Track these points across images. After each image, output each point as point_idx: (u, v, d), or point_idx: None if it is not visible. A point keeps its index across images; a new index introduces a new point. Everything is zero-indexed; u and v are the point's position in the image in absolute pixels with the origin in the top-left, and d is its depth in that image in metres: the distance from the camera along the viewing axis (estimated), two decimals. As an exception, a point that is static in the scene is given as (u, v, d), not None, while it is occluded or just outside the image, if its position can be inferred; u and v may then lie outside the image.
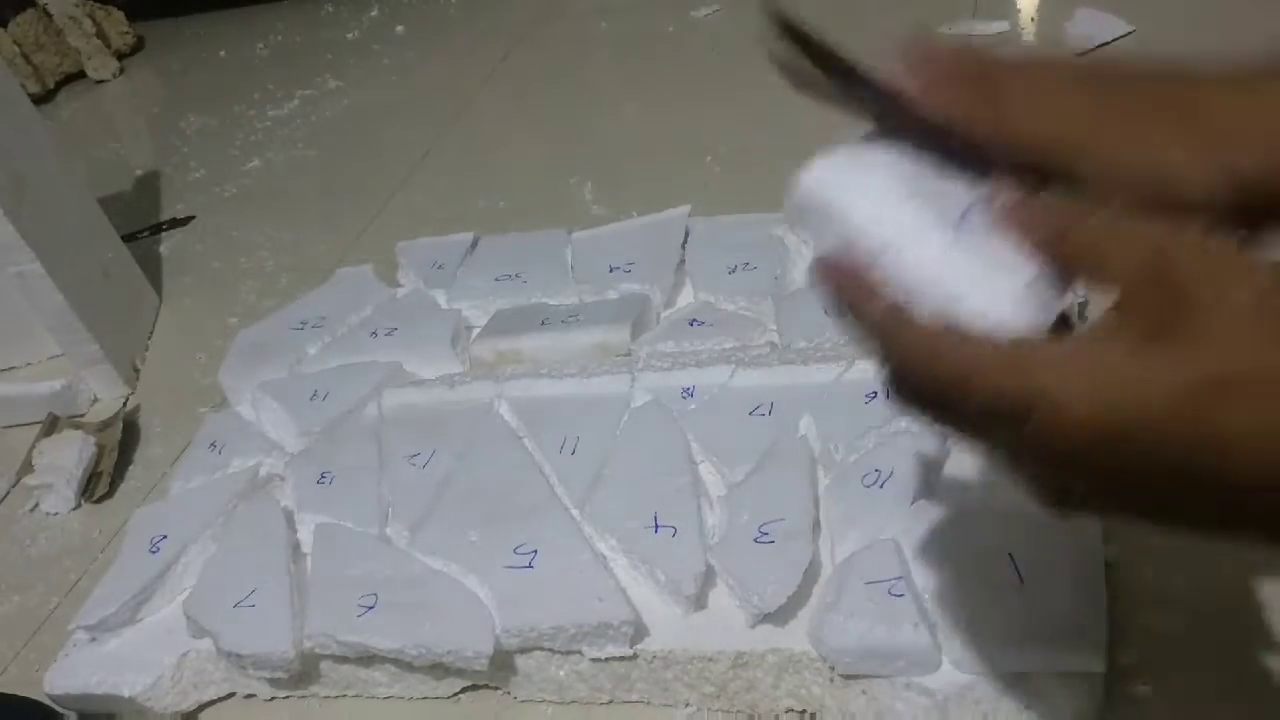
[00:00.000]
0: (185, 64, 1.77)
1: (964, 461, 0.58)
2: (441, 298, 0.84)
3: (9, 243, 0.83)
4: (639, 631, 0.55)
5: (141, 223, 1.22)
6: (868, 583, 0.52)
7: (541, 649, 0.56)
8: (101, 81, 1.74)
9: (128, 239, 1.08)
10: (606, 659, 0.55)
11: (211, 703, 0.63)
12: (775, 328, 0.72)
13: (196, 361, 0.94)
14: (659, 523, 0.58)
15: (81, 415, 0.91)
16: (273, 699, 0.62)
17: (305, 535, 0.66)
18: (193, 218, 1.22)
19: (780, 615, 0.53)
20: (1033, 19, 1.13)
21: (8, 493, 0.84)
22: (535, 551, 0.59)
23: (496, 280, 0.83)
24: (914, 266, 0.29)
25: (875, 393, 0.62)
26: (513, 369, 0.75)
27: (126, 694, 0.60)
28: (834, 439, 0.60)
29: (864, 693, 0.52)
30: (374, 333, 0.80)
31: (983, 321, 0.28)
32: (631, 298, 0.78)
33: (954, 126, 0.30)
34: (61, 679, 0.61)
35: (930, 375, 0.28)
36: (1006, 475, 0.29)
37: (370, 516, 0.65)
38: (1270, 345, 0.24)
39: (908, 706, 0.50)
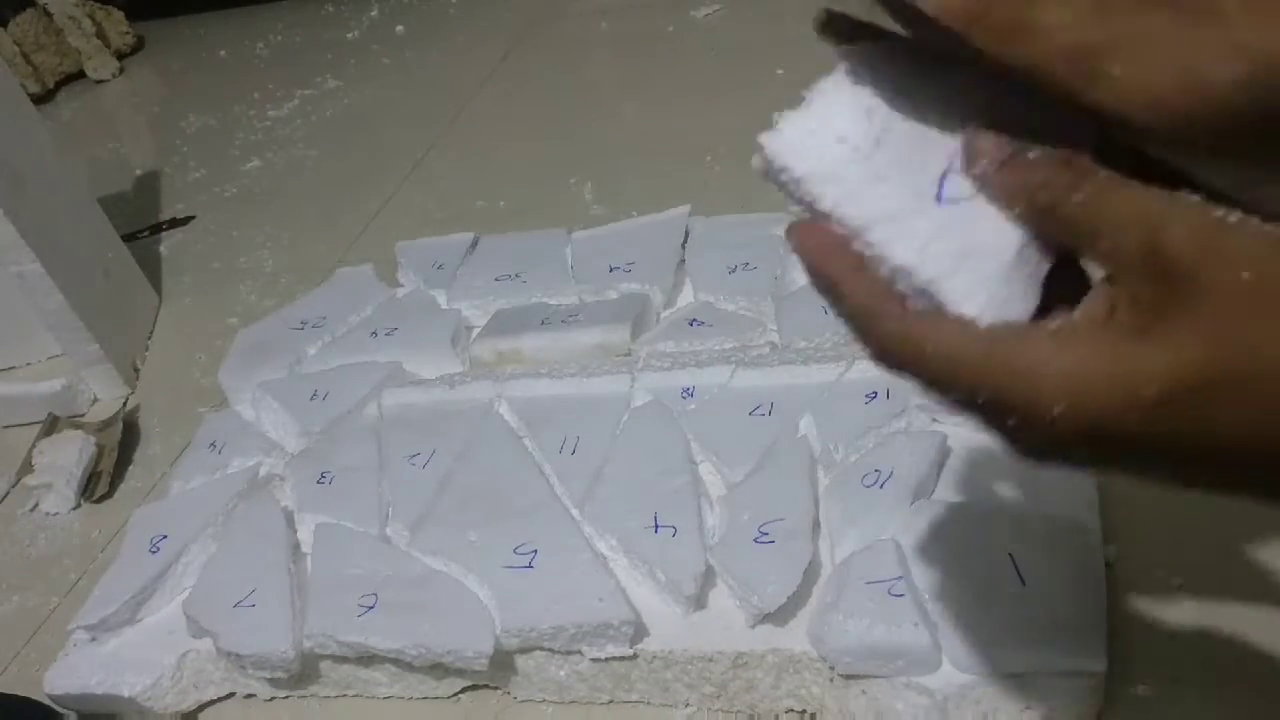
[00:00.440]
0: (185, 64, 1.77)
1: (964, 461, 0.58)
2: (441, 298, 0.84)
3: (9, 243, 0.83)
4: (639, 631, 0.55)
5: (141, 223, 1.22)
6: (868, 583, 0.52)
7: (541, 649, 0.56)
8: (101, 81, 1.74)
9: (128, 239, 1.08)
10: (606, 659, 0.55)
11: (211, 703, 0.63)
12: (775, 328, 0.72)
13: (196, 361, 0.94)
14: (659, 523, 0.58)
15: (81, 415, 0.91)
16: (273, 699, 0.62)
17: (305, 535, 0.66)
18: (193, 218, 1.22)
19: (780, 615, 0.53)
20: None
21: (8, 493, 0.84)
22: (535, 551, 0.59)
23: (496, 280, 0.83)
24: (891, 243, 0.27)
25: (875, 393, 0.62)
26: (513, 369, 0.75)
27: (126, 694, 0.60)
28: (834, 439, 0.60)
29: (864, 693, 0.52)
30: (374, 333, 0.81)
31: (967, 302, 0.27)
32: (631, 298, 0.78)
33: (961, 29, 0.26)
34: (61, 679, 0.61)
35: (910, 368, 0.27)
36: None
37: (370, 516, 0.65)
38: (1268, 335, 0.23)
39: (908, 706, 0.50)
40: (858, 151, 0.28)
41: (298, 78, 1.55)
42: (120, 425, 0.86)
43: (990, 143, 0.26)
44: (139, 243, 1.16)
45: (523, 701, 0.58)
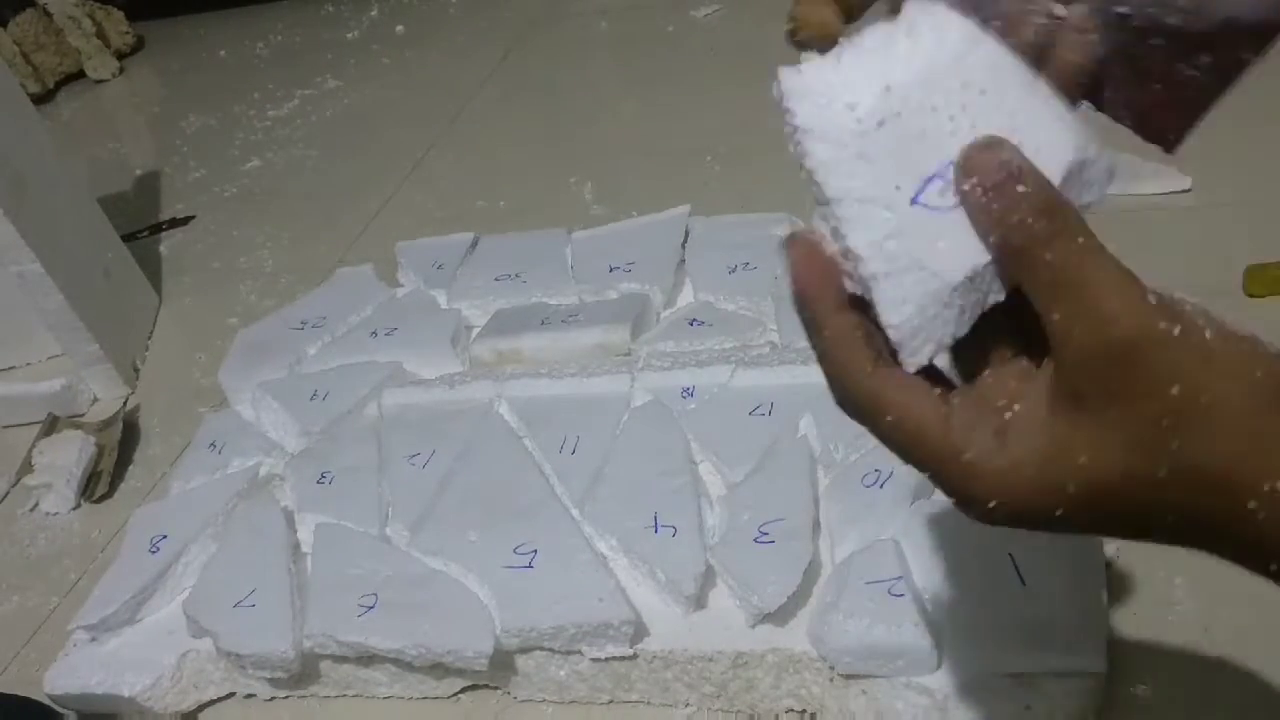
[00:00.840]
0: (185, 64, 1.77)
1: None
2: (441, 298, 0.84)
3: (9, 243, 0.83)
4: (639, 631, 0.55)
5: (141, 223, 1.22)
6: (868, 583, 0.52)
7: (541, 649, 0.56)
8: (101, 81, 1.74)
9: (128, 239, 1.08)
10: (606, 659, 0.55)
11: (211, 703, 0.63)
12: (775, 328, 0.72)
13: (196, 361, 0.94)
14: (659, 523, 0.58)
15: (81, 415, 0.91)
16: (273, 699, 0.62)
17: (305, 535, 0.66)
18: (193, 218, 1.22)
19: (780, 615, 0.53)
20: None
21: (8, 493, 0.84)
22: (535, 551, 0.59)
23: (496, 280, 0.83)
24: (852, 224, 0.27)
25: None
26: (513, 369, 0.75)
27: (126, 694, 0.60)
28: (834, 439, 0.60)
29: (864, 692, 0.52)
30: (374, 333, 0.80)
31: (895, 310, 0.27)
32: (631, 298, 0.78)
33: None
34: (61, 679, 0.61)
35: (867, 424, 0.30)
36: None
37: (370, 516, 0.65)
38: (1192, 446, 0.25)
39: (908, 706, 0.50)
40: (860, 124, 0.27)
41: (298, 78, 1.55)
42: (120, 425, 0.86)
43: (987, 162, 0.26)
44: (139, 243, 1.16)
45: (523, 701, 0.58)
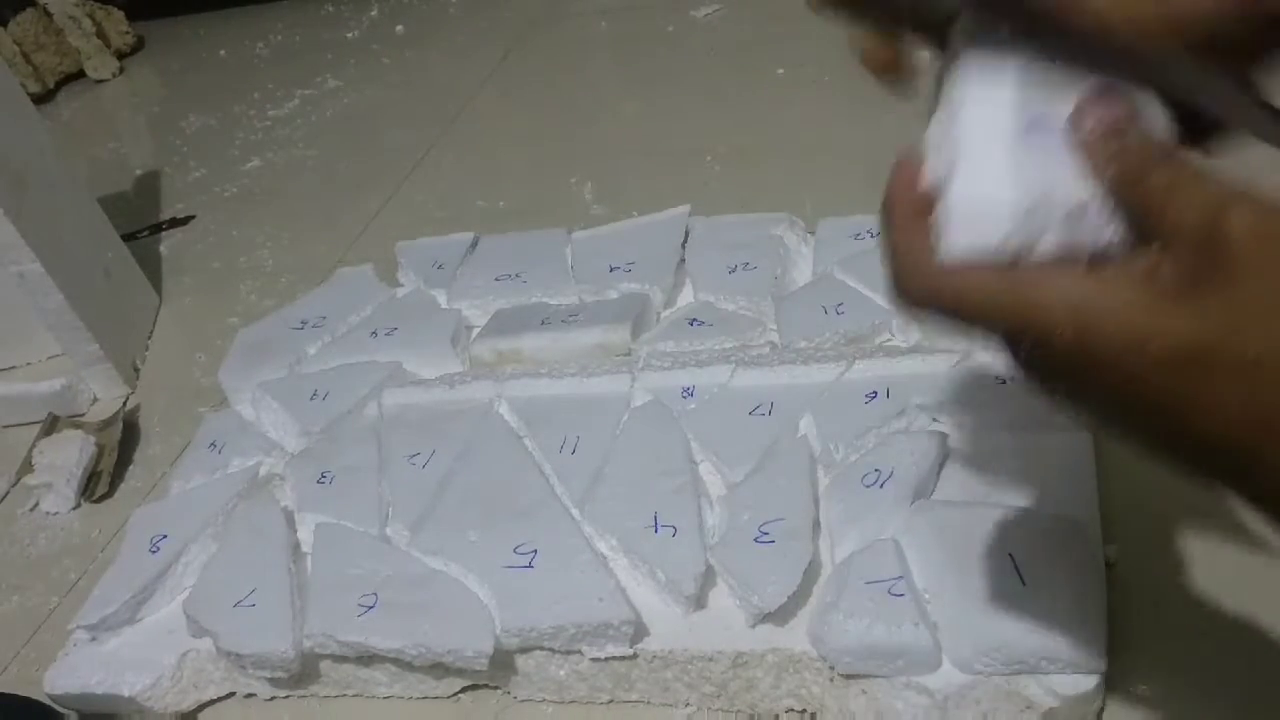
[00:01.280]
0: (185, 64, 1.77)
1: (964, 461, 0.58)
2: (441, 298, 0.84)
3: (9, 243, 0.83)
4: (639, 631, 0.55)
5: (141, 223, 1.22)
6: (868, 583, 0.52)
7: (541, 649, 0.56)
8: (101, 81, 1.74)
9: (128, 239, 1.08)
10: (606, 659, 0.55)
11: (211, 703, 0.63)
12: (775, 328, 0.72)
13: (196, 361, 0.94)
14: (659, 523, 0.58)
15: (81, 415, 0.91)
16: (273, 699, 0.62)
17: (305, 535, 0.66)
18: (193, 218, 1.22)
19: (780, 615, 0.53)
20: None
21: (8, 493, 0.84)
22: (535, 551, 0.59)
23: (496, 280, 0.83)
24: (972, 161, 0.29)
25: (875, 393, 0.62)
26: (513, 369, 0.75)
27: (126, 694, 0.60)
28: (834, 439, 0.60)
29: (864, 692, 0.52)
30: (374, 333, 0.81)
31: (1020, 227, 0.28)
32: (631, 298, 0.78)
33: None
34: (61, 679, 0.61)
35: (936, 299, 0.29)
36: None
37: (370, 516, 0.65)
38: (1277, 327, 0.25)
39: (908, 706, 0.50)
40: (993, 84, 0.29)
41: (298, 78, 1.54)
42: (120, 425, 0.86)
43: (1103, 109, 0.28)
44: (139, 243, 1.16)
45: (523, 701, 0.58)
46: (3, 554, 0.79)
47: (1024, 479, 0.56)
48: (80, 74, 1.75)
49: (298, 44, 1.72)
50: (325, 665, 0.60)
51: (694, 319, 0.74)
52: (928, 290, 0.29)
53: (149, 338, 1.00)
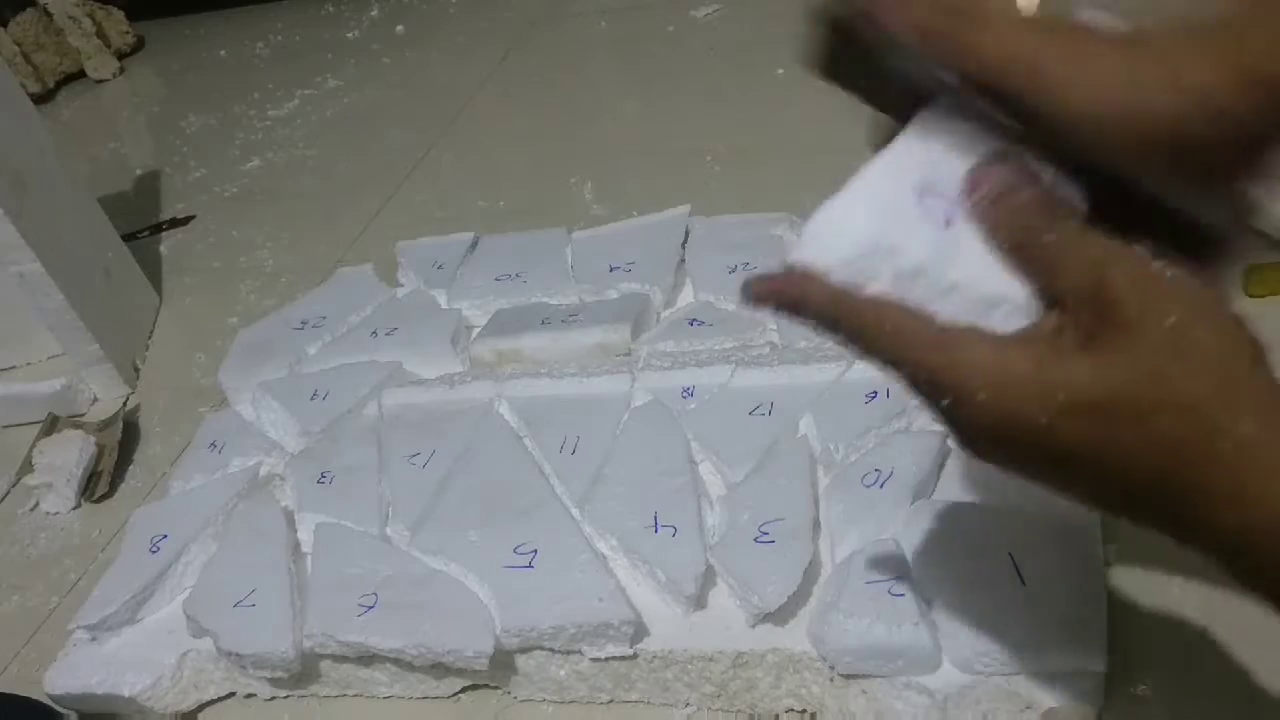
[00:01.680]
0: (185, 64, 1.77)
1: (964, 461, 0.58)
2: (441, 298, 0.84)
3: (9, 243, 0.83)
4: (639, 631, 0.55)
5: (141, 223, 1.22)
6: (868, 583, 0.52)
7: (541, 649, 0.56)
8: (101, 81, 1.74)
9: (128, 239, 1.08)
10: (606, 659, 0.55)
11: (211, 703, 0.63)
12: (775, 328, 0.72)
13: (196, 361, 0.94)
14: (659, 523, 0.58)
15: (81, 415, 0.91)
16: (273, 699, 0.62)
17: (305, 535, 0.66)
18: (193, 218, 1.22)
19: (780, 615, 0.53)
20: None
21: (8, 493, 0.84)
22: (535, 551, 0.59)
23: (496, 280, 0.83)
24: (909, 271, 0.30)
25: (875, 393, 0.62)
26: (513, 369, 0.75)
27: (126, 694, 0.60)
28: (834, 439, 0.60)
29: (864, 692, 0.52)
30: (374, 333, 0.81)
31: (856, 260, 0.30)
32: (631, 298, 0.78)
33: (915, 41, 0.30)
34: (61, 679, 0.61)
35: (869, 345, 0.31)
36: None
37: (370, 516, 0.65)
38: (1174, 375, 0.27)
39: (908, 706, 0.50)
40: (888, 203, 0.31)
41: (298, 78, 1.54)
42: (120, 425, 0.86)
43: (992, 177, 0.30)
44: (139, 243, 1.16)
45: (523, 701, 0.58)
46: (3, 554, 0.79)
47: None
48: (80, 74, 1.75)
49: (298, 44, 1.72)
50: (325, 665, 0.60)
51: (694, 319, 0.74)
52: (868, 319, 0.31)
53: (149, 338, 1.00)
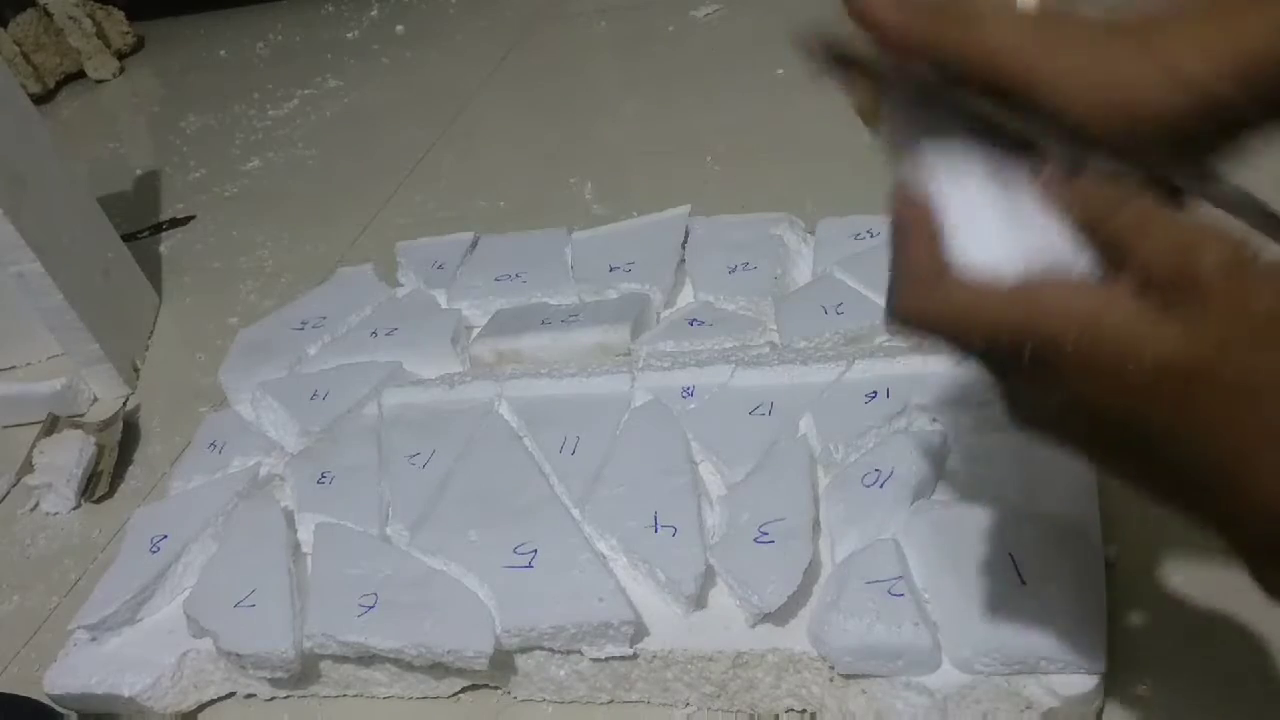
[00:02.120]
0: (185, 64, 1.77)
1: (964, 461, 0.58)
2: (441, 298, 0.84)
3: (9, 242, 0.83)
4: (639, 631, 0.55)
5: (141, 223, 1.22)
6: (868, 582, 0.52)
7: (541, 649, 0.56)
8: (101, 81, 1.74)
9: (128, 239, 1.08)
10: (606, 659, 0.55)
11: (211, 703, 0.63)
12: (775, 328, 0.72)
13: (196, 361, 0.94)
14: (659, 522, 0.58)
15: (81, 415, 0.91)
16: (273, 699, 0.62)
17: (305, 535, 0.66)
18: (193, 218, 1.22)
19: (780, 615, 0.53)
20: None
21: (8, 493, 0.84)
22: (535, 551, 0.59)
23: (496, 280, 0.83)
24: (962, 221, 0.30)
25: (875, 393, 0.62)
26: (513, 369, 0.75)
27: (126, 694, 0.60)
28: (834, 439, 0.60)
29: (864, 692, 0.52)
30: (374, 333, 0.81)
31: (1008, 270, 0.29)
32: (631, 298, 0.78)
33: (918, 44, 0.30)
34: (61, 679, 0.61)
35: (938, 319, 0.30)
36: (989, 387, 0.31)
37: (370, 516, 0.65)
38: (1265, 359, 0.26)
39: (907, 706, 0.50)
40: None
41: (298, 78, 1.55)
42: (120, 425, 0.86)
43: (1055, 157, 0.29)
44: (139, 243, 1.16)
45: (523, 701, 0.58)
46: (3, 554, 0.79)
47: (1024, 479, 0.56)
48: (80, 74, 1.75)
49: (298, 44, 1.72)
50: (325, 665, 0.60)
51: (694, 319, 0.74)
52: (937, 304, 0.30)
53: (149, 338, 1.00)
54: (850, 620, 0.50)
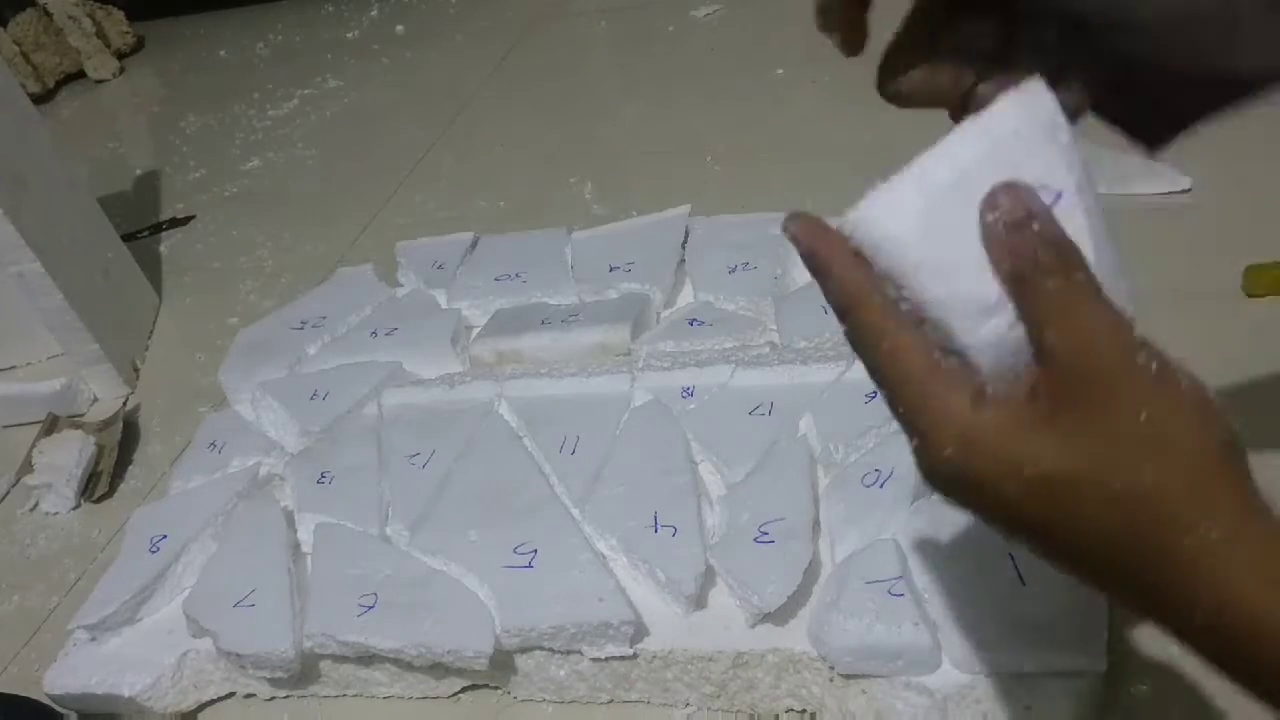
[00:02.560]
0: (185, 64, 1.77)
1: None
2: (441, 298, 0.84)
3: (9, 243, 0.83)
4: (639, 631, 0.55)
5: (141, 223, 1.22)
6: (868, 582, 0.52)
7: (541, 649, 0.56)
8: (101, 81, 1.74)
9: (128, 239, 1.08)
10: (606, 659, 0.55)
11: (211, 703, 0.63)
12: (775, 328, 0.72)
13: (196, 361, 0.94)
14: (659, 522, 0.58)
15: (81, 415, 0.91)
16: (273, 699, 0.62)
17: (305, 535, 0.66)
18: (193, 218, 1.22)
19: (780, 615, 0.53)
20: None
21: (8, 493, 0.84)
22: (535, 551, 0.59)
23: (496, 280, 0.83)
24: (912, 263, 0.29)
25: (875, 393, 0.62)
26: (513, 369, 0.75)
27: (126, 694, 0.60)
28: (834, 439, 0.60)
29: (864, 692, 0.52)
30: (374, 333, 0.80)
31: (959, 313, 0.29)
32: (631, 298, 0.78)
33: None
34: (61, 679, 0.61)
35: (867, 353, 0.30)
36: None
37: (370, 516, 0.65)
38: (1143, 467, 0.26)
39: (907, 706, 0.50)
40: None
41: (298, 78, 1.55)
42: (120, 425, 0.86)
43: (1010, 199, 0.28)
44: (139, 243, 1.16)
45: (523, 701, 0.58)
46: (3, 554, 0.79)
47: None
48: (80, 74, 1.75)
49: (298, 44, 1.72)
50: (325, 665, 0.60)
51: (694, 319, 0.74)
52: (869, 332, 0.30)
53: (149, 338, 1.00)
54: (850, 620, 0.50)
